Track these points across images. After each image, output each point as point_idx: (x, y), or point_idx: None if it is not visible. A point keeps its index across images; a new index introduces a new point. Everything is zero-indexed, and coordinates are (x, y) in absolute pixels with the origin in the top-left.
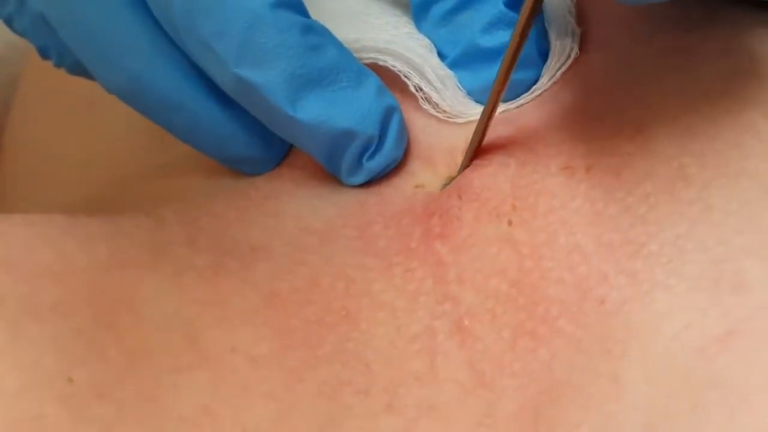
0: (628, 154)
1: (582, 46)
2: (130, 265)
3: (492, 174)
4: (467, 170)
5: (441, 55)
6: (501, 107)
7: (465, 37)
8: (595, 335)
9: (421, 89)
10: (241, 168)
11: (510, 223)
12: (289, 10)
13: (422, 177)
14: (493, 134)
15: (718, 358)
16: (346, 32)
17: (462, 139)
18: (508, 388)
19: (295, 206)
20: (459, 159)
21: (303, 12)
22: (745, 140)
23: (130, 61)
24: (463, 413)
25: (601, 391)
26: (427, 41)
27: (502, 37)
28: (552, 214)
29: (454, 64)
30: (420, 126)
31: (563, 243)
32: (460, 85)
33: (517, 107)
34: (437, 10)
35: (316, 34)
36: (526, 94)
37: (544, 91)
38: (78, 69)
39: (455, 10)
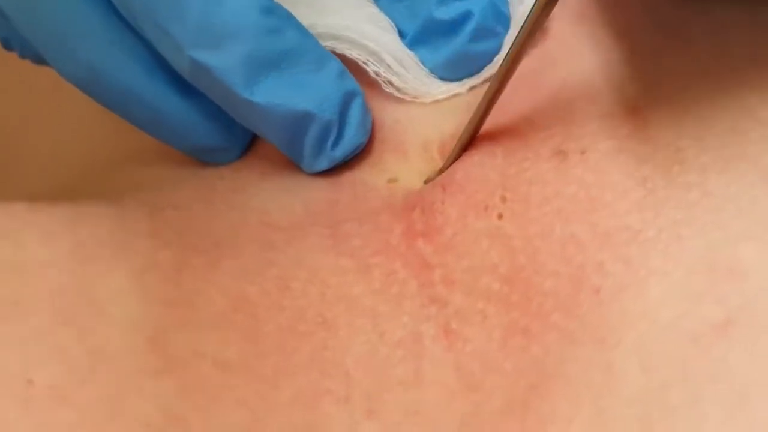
0: (624, 137)
1: (569, 18)
2: (92, 259)
3: (477, 164)
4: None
5: (402, 33)
6: (466, 84)
7: (421, 11)
8: (588, 325)
9: (379, 74)
10: (205, 158)
11: (500, 216)
12: None
13: (396, 171)
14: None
15: (714, 347)
16: (302, 17)
17: (436, 130)
18: (496, 387)
19: (261, 200)
20: (434, 151)
21: None
22: (743, 124)
23: (86, 51)
24: (449, 415)
25: (595, 383)
26: (386, 21)
27: (459, 8)
28: (546, 203)
29: (414, 42)
30: (392, 118)
31: (559, 234)
32: (422, 64)
33: (483, 81)
34: None
35: (275, 17)
36: (488, 67)
37: (511, 63)
38: (42, 59)
39: None
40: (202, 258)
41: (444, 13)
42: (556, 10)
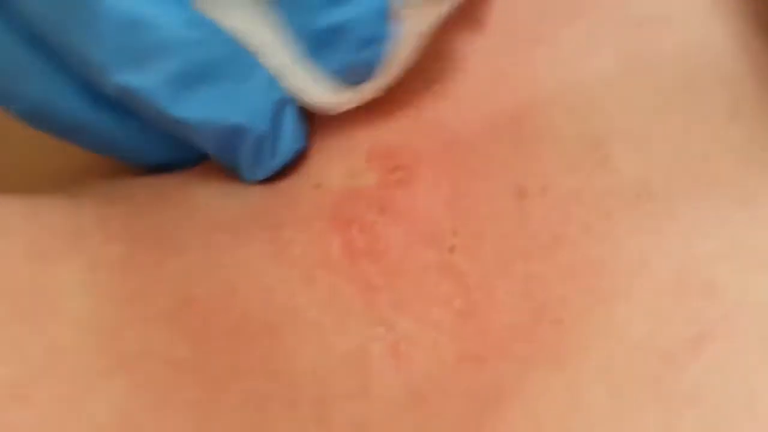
0: (587, 172)
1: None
2: (47, 254)
3: (421, 194)
4: (386, 182)
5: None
6: (361, 91)
7: (303, 19)
8: (549, 351)
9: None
10: (164, 171)
11: (452, 250)
12: (167, 4)
13: (321, 175)
14: (401, 135)
15: (690, 366)
16: None
17: (364, 133)
18: (447, 405)
19: (205, 199)
20: (361, 157)
21: (183, 3)
22: (712, 149)
23: (28, 90)
24: (397, 429)
25: (558, 405)
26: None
27: (345, 13)
28: (504, 241)
29: (310, 50)
30: (315, 118)
31: (519, 272)
32: (322, 73)
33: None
34: None
35: (198, 28)
36: (382, 71)
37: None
38: None
39: None
40: (150, 256)
41: (324, 22)
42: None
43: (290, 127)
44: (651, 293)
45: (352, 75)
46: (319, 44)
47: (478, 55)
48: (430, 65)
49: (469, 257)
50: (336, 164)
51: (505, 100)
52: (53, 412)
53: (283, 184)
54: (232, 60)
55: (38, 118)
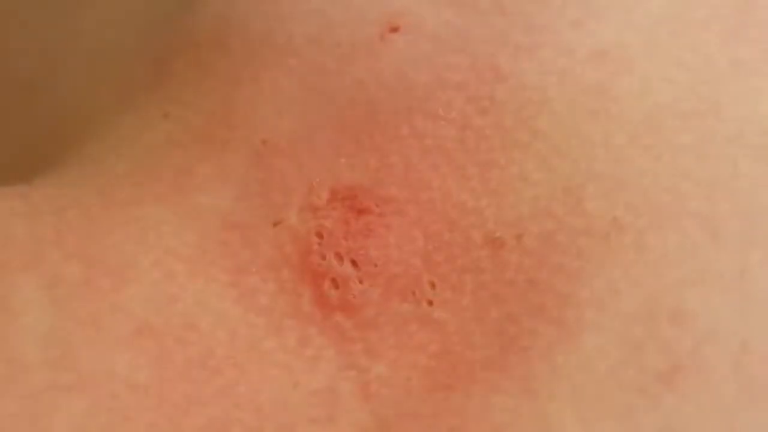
0: (559, 216)
1: None
2: (6, 267)
3: (396, 246)
4: (357, 234)
5: None
6: None
7: None
8: (517, 378)
9: None
10: None
11: (431, 303)
12: None
13: (279, 213)
14: (366, 177)
15: (663, 398)
16: None
17: (326, 170)
18: (413, 427)
19: (156, 221)
20: (323, 194)
21: None
22: (679, 185)
23: None
24: None
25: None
26: None
27: None
28: (482, 290)
29: None
30: (266, 151)
31: (495, 316)
32: None
33: None
34: None
35: None
36: None
37: None
38: None
39: None
40: (107, 279)
41: None
42: None
43: None
44: (621, 323)
45: None
46: None
47: None
48: None
49: (448, 308)
50: (295, 202)
51: (473, 147)
52: (11, 428)
53: (239, 217)
54: None
55: None
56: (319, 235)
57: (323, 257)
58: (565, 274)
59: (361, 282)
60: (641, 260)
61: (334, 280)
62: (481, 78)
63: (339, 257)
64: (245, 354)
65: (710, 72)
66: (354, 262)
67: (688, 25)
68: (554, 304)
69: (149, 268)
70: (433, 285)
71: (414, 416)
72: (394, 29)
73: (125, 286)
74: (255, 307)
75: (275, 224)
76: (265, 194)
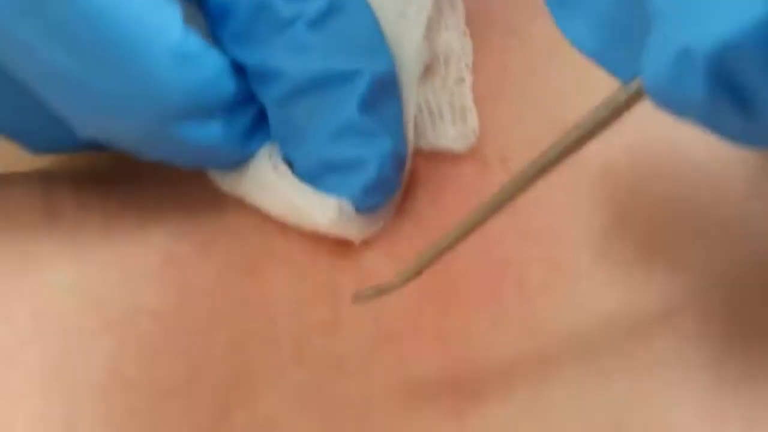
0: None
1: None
2: (26, 228)
3: None
4: None
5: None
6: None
7: (309, 141)
8: (514, 314)
9: None
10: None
11: (415, 199)
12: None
13: None
14: None
15: (656, 339)
16: None
17: None
18: (419, 346)
19: (180, 173)
20: None
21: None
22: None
23: None
24: (373, 369)
25: (526, 368)
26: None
27: (353, 151)
28: (463, 199)
29: (306, 176)
30: None
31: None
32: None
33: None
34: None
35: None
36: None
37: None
38: None
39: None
40: (131, 223)
41: (336, 153)
42: None
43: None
44: (616, 269)
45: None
46: (322, 174)
47: None
48: None
49: (432, 209)
50: None
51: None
52: (43, 373)
53: None
54: None
55: None
56: None
57: None
58: (554, 206)
59: None
60: (634, 206)
61: None
62: None
63: None
64: (258, 257)
65: None
66: None
67: None
68: (542, 235)
69: (172, 211)
70: (422, 188)
71: (418, 331)
72: None
73: (148, 226)
74: (264, 217)
75: None
76: None
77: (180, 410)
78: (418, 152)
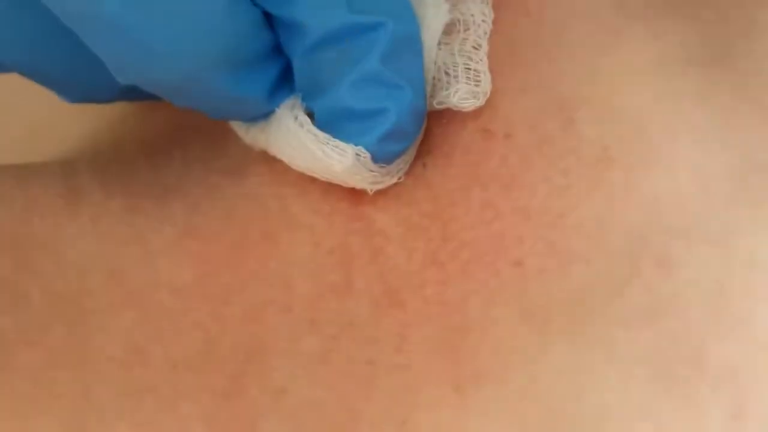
0: (550, 131)
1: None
2: (47, 212)
3: None
4: None
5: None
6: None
7: (330, 90)
8: (511, 293)
9: None
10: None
11: (424, 165)
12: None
13: None
14: None
15: (643, 333)
16: None
17: None
18: (420, 311)
19: (200, 150)
20: None
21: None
22: (675, 127)
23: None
24: (379, 334)
25: (522, 349)
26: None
27: (375, 100)
28: (467, 167)
29: (326, 125)
30: None
31: (477, 197)
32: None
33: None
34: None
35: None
36: (397, 162)
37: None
38: None
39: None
40: (152, 202)
41: (356, 102)
42: None
43: None
44: (607, 260)
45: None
46: (341, 122)
47: None
48: None
49: (438, 173)
50: None
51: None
52: (62, 353)
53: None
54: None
55: None
56: None
57: None
58: (551, 188)
59: None
60: (627, 198)
61: None
62: None
63: None
64: (275, 223)
65: None
66: None
67: None
68: (541, 217)
69: (194, 188)
70: (429, 151)
71: (419, 298)
72: None
73: (169, 202)
74: (286, 181)
75: None
76: None
77: (194, 383)
78: (430, 117)
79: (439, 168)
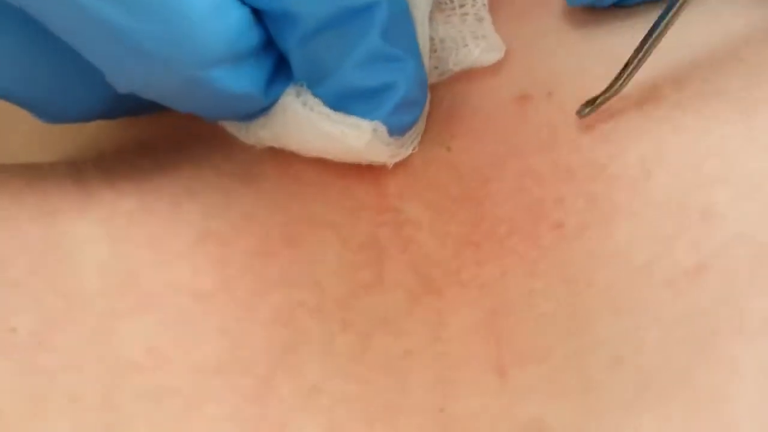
0: (597, 77)
1: None
2: (58, 212)
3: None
4: None
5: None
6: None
7: (333, 71)
8: (552, 260)
9: None
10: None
11: (449, 149)
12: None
13: None
14: None
15: (688, 292)
16: None
17: None
18: (457, 297)
19: (207, 156)
20: None
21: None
22: (725, 62)
23: None
24: (415, 325)
25: (563, 322)
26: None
27: (382, 76)
28: (500, 140)
29: (336, 107)
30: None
31: (513, 167)
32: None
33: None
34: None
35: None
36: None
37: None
38: None
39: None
40: (165, 203)
41: (364, 80)
42: None
43: None
44: (652, 214)
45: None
46: (349, 102)
47: None
48: None
49: (465, 154)
50: None
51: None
52: (77, 354)
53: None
54: None
55: None
56: None
57: None
58: (595, 136)
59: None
60: (674, 141)
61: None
62: None
63: None
64: (297, 226)
65: None
66: None
67: None
68: (583, 170)
69: (206, 190)
70: (452, 135)
71: (456, 282)
72: None
73: (182, 203)
74: (303, 181)
75: None
76: None
77: (219, 386)
78: (451, 102)
79: (465, 149)
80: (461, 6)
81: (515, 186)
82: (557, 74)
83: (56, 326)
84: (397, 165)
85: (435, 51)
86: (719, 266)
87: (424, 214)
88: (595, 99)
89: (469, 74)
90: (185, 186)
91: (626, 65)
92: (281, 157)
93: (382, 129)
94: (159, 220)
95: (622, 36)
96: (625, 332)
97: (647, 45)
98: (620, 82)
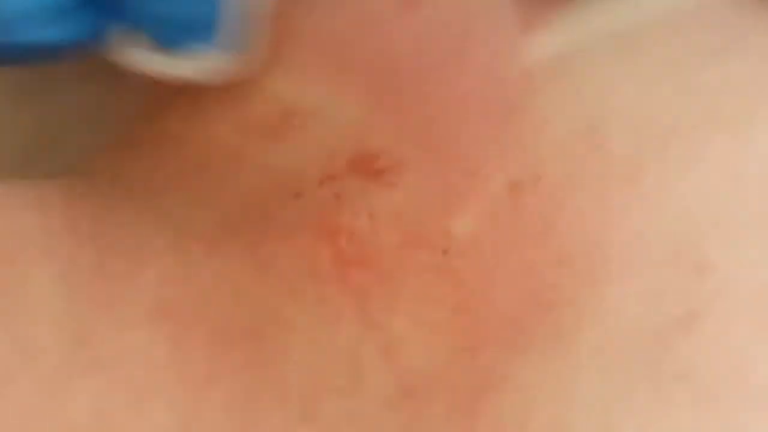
0: (581, 156)
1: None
2: (18, 261)
3: (410, 198)
4: (374, 190)
5: None
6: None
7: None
8: (541, 338)
9: None
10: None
11: (445, 252)
12: None
13: (300, 185)
14: (384, 140)
15: (680, 344)
16: None
17: (343, 137)
18: (438, 396)
19: (176, 209)
20: (342, 162)
21: None
22: (703, 125)
23: None
24: (389, 422)
25: (548, 389)
26: None
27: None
28: (499, 238)
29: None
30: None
31: (514, 262)
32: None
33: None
34: None
35: None
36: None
37: None
38: None
39: None
40: (123, 263)
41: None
42: None
43: None
44: (646, 272)
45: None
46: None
47: None
48: None
49: (464, 257)
50: (315, 172)
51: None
52: (30, 409)
53: (259, 197)
54: None
55: None
56: (337, 197)
57: (340, 214)
58: (587, 220)
59: (376, 235)
60: (665, 205)
61: (350, 235)
62: None
63: (355, 213)
64: (265, 324)
65: None
66: (371, 215)
67: None
68: (577, 254)
69: (165, 250)
70: (448, 234)
71: (438, 383)
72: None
73: (141, 269)
74: (272, 271)
75: (296, 196)
76: (284, 168)
77: None
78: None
79: (464, 251)
80: None
81: (514, 282)
82: (543, 155)
83: (10, 379)
84: (383, 277)
85: None
86: (712, 315)
87: (416, 331)
88: None
89: (457, 158)
90: (144, 246)
91: None
92: (251, 232)
93: (211, 53)
94: (116, 285)
95: None
96: (616, 393)
97: None
98: None
